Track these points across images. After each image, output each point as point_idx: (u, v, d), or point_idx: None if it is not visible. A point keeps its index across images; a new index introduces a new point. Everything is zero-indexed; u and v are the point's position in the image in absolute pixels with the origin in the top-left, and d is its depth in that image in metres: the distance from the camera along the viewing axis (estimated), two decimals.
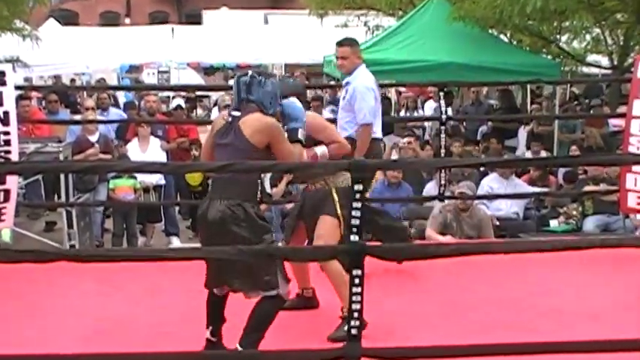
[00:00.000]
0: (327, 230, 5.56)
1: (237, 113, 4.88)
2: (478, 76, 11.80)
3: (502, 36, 15.45)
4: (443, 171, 8.44)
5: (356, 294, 4.10)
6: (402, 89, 19.14)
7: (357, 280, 4.09)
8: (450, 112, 12.46)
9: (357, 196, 4.12)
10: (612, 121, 14.14)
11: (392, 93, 19.12)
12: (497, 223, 9.58)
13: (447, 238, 8.35)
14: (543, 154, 11.99)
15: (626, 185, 7.96)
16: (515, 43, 16.03)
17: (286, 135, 5.04)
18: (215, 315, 4.99)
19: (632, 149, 7.86)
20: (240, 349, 4.65)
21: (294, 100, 5.25)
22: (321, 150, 5.45)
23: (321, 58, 16.14)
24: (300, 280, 5.91)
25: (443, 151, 8.55)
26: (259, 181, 4.94)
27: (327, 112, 14.73)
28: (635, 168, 7.79)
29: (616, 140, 12.41)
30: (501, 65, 12.30)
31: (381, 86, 10.08)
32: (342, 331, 4.70)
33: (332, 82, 14.95)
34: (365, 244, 4.11)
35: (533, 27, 14.55)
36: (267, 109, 4.88)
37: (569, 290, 6.35)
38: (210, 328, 4.97)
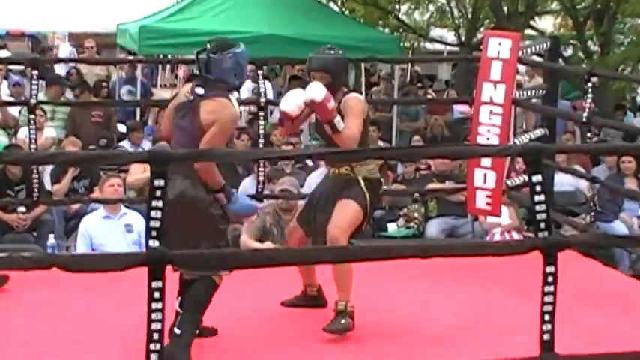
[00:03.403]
0: (347, 216, 5.73)
1: (200, 91, 5.32)
2: (304, 52, 11.85)
3: (332, 5, 15.74)
4: (262, 165, 8.46)
5: (156, 310, 4.07)
6: None
7: (157, 294, 4.06)
8: (270, 94, 12.53)
9: (158, 194, 4.11)
10: (458, 107, 14.58)
11: None
12: None
13: (267, 245, 8.37)
14: (381, 144, 12.21)
15: (474, 183, 8.22)
16: (347, 13, 16.36)
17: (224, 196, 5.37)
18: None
19: (481, 140, 8.11)
20: (177, 331, 5.15)
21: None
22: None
23: (113, 26, 15.95)
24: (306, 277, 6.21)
25: (262, 140, 8.60)
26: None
27: (123, 93, 14.61)
28: (484, 162, 8.04)
29: (462, 129, 12.78)
30: (331, 39, 12.34)
31: (188, 62, 10.01)
32: (339, 324, 5.65)
33: (129, 57, 14.77)
34: (166, 251, 4.10)
35: None
36: (231, 84, 5.43)
37: (408, 307, 6.48)
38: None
